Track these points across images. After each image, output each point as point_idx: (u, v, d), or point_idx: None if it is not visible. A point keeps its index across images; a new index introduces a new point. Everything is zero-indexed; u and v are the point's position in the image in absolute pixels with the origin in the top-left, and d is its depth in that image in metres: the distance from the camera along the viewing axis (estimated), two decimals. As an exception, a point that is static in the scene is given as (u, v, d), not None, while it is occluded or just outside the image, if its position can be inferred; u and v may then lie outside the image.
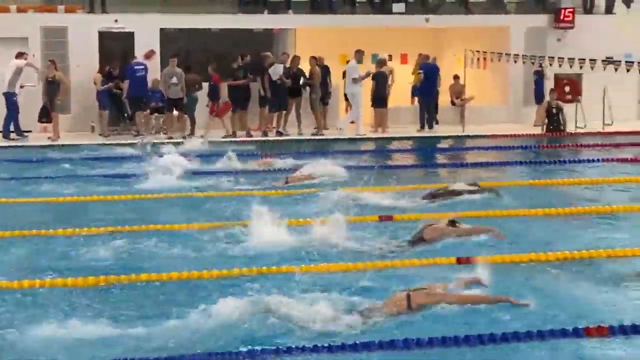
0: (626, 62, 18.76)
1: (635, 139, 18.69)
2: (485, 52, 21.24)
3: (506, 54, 20.92)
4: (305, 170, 13.78)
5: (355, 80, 20.04)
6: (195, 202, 12.07)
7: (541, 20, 22.70)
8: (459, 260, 8.79)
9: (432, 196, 11.89)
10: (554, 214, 11.16)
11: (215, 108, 20.13)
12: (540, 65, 21.00)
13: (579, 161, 15.75)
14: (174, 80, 19.61)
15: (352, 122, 20.24)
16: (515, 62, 20.78)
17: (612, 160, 15.80)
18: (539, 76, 21.74)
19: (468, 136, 19.98)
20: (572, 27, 22.36)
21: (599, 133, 20.21)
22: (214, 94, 20.09)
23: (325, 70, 20.69)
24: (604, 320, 6.99)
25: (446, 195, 11.86)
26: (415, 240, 9.55)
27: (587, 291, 7.91)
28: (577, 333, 6.75)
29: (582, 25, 22.34)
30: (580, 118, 20.97)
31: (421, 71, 21.32)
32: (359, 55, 20.31)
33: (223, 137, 19.40)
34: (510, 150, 17.75)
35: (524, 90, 22.59)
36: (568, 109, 21.05)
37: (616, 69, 18.46)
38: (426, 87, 21.13)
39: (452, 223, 9.67)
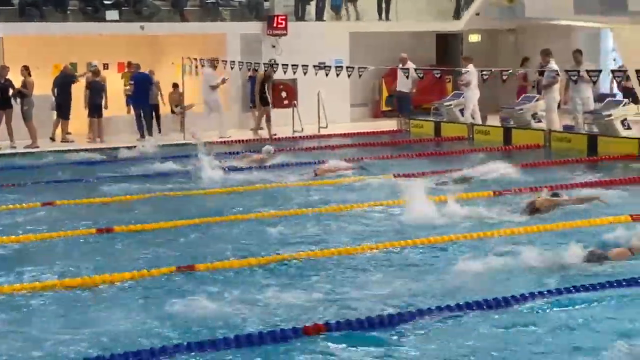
0: (336, 67, 19.59)
1: (347, 141, 19.69)
2: (203, 59, 21.35)
3: (223, 60, 21.16)
4: (332, 163, 15.06)
5: (213, 88, 20.65)
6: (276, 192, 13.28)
7: (255, 27, 23.17)
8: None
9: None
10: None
11: None
12: (256, 71, 21.40)
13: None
14: None
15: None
16: (232, 68, 21.07)
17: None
18: (253, 81, 22.11)
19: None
20: (285, 34, 23.02)
21: (315, 136, 20.96)
22: None
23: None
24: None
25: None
26: (530, 210, 10.75)
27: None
28: None
29: (295, 32, 23.05)
30: (297, 122, 21.66)
31: (131, 81, 21.17)
32: (211, 62, 20.80)
33: None
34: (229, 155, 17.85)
35: (242, 95, 22.97)
36: (286, 113, 21.79)
37: (327, 74, 19.19)
38: (138, 96, 20.91)
39: (555, 195, 11.00)
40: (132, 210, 12.18)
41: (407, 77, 20.69)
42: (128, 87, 22.09)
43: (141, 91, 20.83)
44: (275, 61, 20.89)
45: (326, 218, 11.27)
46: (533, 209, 10.84)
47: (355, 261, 9.12)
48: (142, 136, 20.72)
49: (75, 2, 22.12)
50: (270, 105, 21.27)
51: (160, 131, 21.19)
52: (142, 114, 20.87)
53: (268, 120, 21.09)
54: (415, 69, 19.97)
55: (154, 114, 21.19)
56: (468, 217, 10.83)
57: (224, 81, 21.05)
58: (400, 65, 21.20)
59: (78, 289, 8.30)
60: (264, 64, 20.69)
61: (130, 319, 7.41)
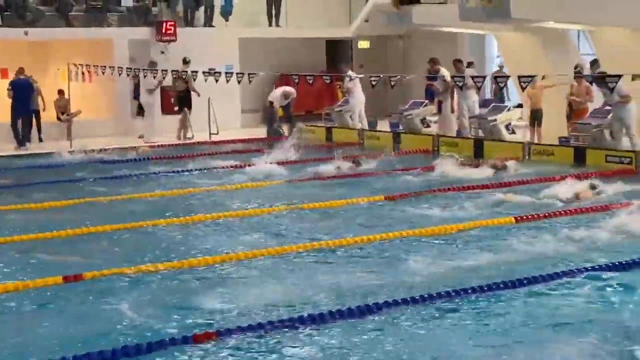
0: (226, 73, 19.56)
1: (237, 147, 19.69)
2: (89, 65, 21.00)
3: (110, 67, 20.86)
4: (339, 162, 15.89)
5: (150, 91, 20.86)
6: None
7: (143, 33, 22.95)
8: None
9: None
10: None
11: None
12: (145, 77, 21.17)
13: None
14: None
15: None
16: (120, 74, 20.80)
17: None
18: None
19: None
20: (174, 40, 22.85)
21: (206, 142, 20.87)
22: None
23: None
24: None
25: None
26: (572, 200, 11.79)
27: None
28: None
29: (184, 38, 22.92)
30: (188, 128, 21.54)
31: (9, 87, 20.63)
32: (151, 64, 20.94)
33: None
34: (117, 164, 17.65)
35: (130, 102, 22.71)
36: (176, 120, 21.71)
37: (217, 80, 19.15)
38: (18, 103, 20.38)
39: (593, 187, 12.14)
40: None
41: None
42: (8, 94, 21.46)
43: (21, 98, 20.32)
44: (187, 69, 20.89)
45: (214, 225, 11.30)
46: (577, 199, 11.86)
47: (241, 269, 9.13)
48: (20, 144, 20.23)
49: (-45, 6, 21.50)
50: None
51: (41, 139, 20.76)
52: (21, 122, 20.38)
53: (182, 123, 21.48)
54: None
55: (34, 120, 20.76)
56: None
57: (160, 83, 21.09)
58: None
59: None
60: (173, 71, 20.51)
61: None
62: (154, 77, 20.78)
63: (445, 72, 19.25)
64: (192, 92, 21.55)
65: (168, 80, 21.51)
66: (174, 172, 15.99)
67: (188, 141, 21.11)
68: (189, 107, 21.69)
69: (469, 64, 20.94)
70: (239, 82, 19.23)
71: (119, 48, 22.39)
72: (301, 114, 23.69)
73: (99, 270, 8.84)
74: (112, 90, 22.57)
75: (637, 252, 9.15)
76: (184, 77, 20.91)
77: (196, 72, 19.79)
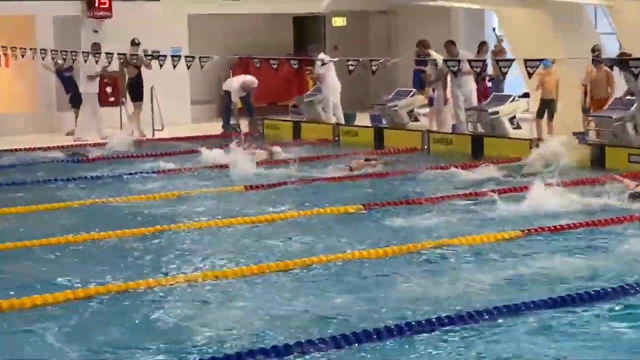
0: (173, 56, 19.39)
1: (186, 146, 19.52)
2: (5, 47, 20.76)
3: (31, 49, 20.61)
4: (361, 158, 16.49)
5: (91, 78, 20.85)
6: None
7: (73, 7, 22.71)
8: None
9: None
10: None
11: None
12: (73, 62, 20.96)
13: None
14: None
15: None
16: (43, 58, 20.56)
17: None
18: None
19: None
20: (109, 16, 22.66)
21: (149, 140, 20.69)
22: None
23: None
24: None
25: None
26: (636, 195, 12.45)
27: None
28: None
29: (122, 14, 22.70)
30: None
31: None
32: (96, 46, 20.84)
33: None
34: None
35: (56, 91, 22.47)
36: (113, 113, 21.53)
37: (161, 65, 19.00)
38: None
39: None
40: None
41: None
42: None
43: None
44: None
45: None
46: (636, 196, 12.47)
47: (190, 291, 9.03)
48: None
49: None
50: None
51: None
52: None
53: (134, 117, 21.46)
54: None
55: None
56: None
57: (105, 70, 20.92)
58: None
59: None
60: (120, 54, 20.29)
61: None
62: (96, 62, 20.53)
63: (437, 57, 19.18)
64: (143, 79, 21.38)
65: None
66: (102, 176, 15.84)
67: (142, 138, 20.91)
68: (141, 98, 21.44)
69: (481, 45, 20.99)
70: (188, 67, 19.12)
71: (42, 26, 22.15)
72: (264, 106, 23.58)
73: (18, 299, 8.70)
74: (34, 77, 22.27)
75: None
76: (134, 61, 20.71)
77: (136, 55, 19.65)
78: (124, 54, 20.51)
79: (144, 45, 21.08)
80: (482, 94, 20.91)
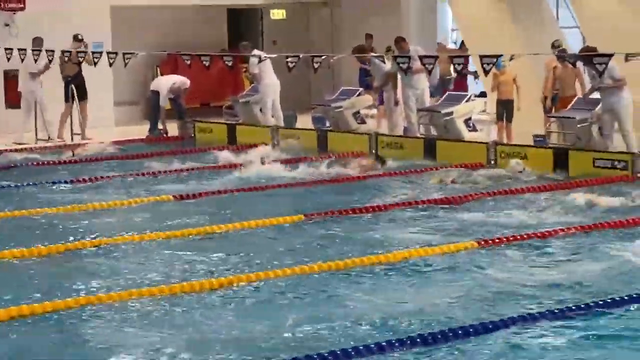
0: (93, 53, 19.27)
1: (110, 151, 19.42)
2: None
3: None
4: (362, 159, 17.01)
5: (33, 75, 20.76)
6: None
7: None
8: None
9: None
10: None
11: None
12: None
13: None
14: None
15: None
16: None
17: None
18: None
19: None
20: (22, 9, 22.50)
21: (65, 145, 20.52)
22: None
23: None
24: None
25: None
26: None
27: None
28: None
29: (36, 6, 22.53)
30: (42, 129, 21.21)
31: None
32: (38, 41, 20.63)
33: None
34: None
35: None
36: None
37: (81, 62, 18.90)
38: None
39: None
40: None
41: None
42: None
43: None
44: None
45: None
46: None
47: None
48: None
49: None
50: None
51: None
52: None
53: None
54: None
55: None
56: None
57: (47, 67, 20.73)
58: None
59: None
60: (65, 51, 20.10)
61: None
62: (35, 61, 20.38)
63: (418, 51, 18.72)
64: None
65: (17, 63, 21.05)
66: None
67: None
68: (85, 97, 21.31)
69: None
70: (110, 64, 19.05)
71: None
72: (195, 107, 23.53)
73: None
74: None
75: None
76: (80, 59, 20.56)
77: (52, 51, 19.46)
78: (69, 51, 20.37)
79: (63, 40, 20.89)
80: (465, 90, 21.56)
